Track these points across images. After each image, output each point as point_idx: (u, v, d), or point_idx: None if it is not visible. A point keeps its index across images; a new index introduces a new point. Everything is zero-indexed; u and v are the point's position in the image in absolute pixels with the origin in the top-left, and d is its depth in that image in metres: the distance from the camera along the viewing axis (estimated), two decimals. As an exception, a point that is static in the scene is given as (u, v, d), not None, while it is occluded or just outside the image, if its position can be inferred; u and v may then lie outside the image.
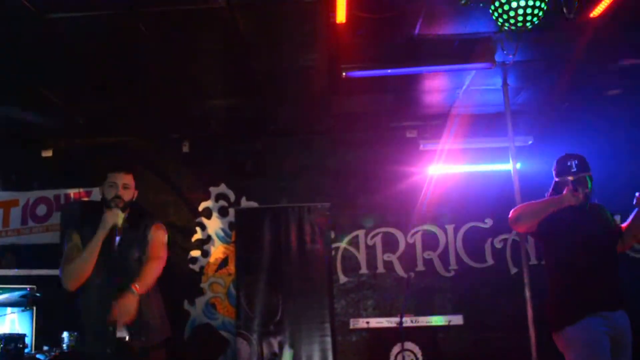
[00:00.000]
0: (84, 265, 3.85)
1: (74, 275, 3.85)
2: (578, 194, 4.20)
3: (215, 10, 4.65)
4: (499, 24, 4.16)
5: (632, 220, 4.34)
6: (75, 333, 5.62)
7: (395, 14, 4.84)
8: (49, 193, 7.71)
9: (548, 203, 4.34)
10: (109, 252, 3.91)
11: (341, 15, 4.63)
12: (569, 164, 4.32)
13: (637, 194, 4.21)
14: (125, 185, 4.08)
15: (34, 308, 6.14)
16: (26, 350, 5.56)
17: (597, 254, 4.14)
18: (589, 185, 4.27)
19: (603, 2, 4.60)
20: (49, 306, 6.20)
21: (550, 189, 4.48)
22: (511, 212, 4.46)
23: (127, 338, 3.79)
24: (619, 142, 7.13)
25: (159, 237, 4.16)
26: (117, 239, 3.97)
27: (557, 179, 4.41)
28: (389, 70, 5.70)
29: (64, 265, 3.91)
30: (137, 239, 4.05)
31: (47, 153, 7.72)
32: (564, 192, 4.26)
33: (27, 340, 5.70)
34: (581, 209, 4.26)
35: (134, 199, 4.17)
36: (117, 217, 3.94)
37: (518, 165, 6.13)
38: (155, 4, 4.56)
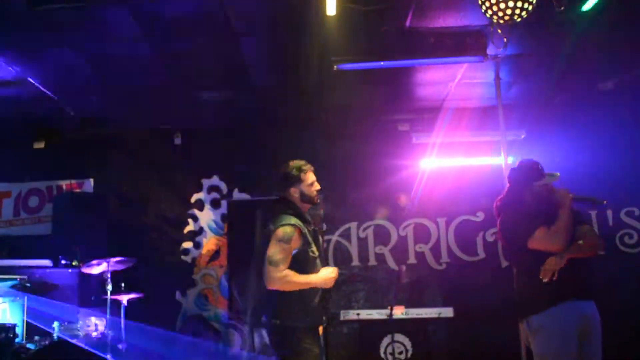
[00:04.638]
0: None
1: None
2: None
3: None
4: (488, 16, 4.15)
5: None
6: (65, 323, 5.63)
7: (386, 6, 4.84)
8: (41, 185, 7.73)
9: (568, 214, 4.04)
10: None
11: (331, 8, 4.62)
12: (539, 167, 4.18)
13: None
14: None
15: (25, 298, 6.13)
16: (17, 340, 5.55)
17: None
18: None
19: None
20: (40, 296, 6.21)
21: (527, 198, 4.20)
22: (553, 246, 3.98)
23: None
24: (609, 137, 7.13)
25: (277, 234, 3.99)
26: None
27: (530, 187, 4.18)
28: (381, 63, 5.69)
29: None
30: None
31: (40, 145, 7.70)
32: (560, 191, 4.10)
33: (18, 330, 5.69)
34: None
35: None
36: None
37: (510, 159, 6.14)
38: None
